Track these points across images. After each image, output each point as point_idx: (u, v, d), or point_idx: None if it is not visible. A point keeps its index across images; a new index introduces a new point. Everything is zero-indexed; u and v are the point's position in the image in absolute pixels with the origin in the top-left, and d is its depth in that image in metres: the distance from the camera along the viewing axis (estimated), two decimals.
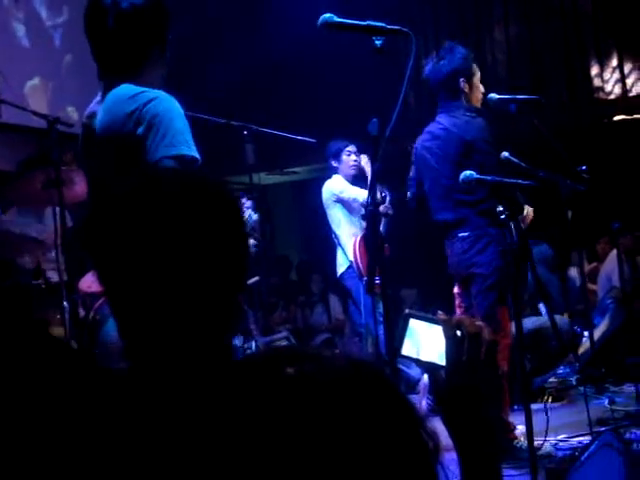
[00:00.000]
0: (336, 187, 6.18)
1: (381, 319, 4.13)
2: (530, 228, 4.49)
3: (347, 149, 6.23)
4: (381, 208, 6.11)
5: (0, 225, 5.48)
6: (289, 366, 0.99)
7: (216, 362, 1.09)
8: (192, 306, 1.09)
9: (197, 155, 2.46)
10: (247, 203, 3.86)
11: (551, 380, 5.84)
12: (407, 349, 1.32)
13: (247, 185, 5.07)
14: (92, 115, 2.64)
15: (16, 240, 5.15)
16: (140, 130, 2.43)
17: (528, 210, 4.34)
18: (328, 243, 6.40)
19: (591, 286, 7.56)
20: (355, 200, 6.04)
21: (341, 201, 6.15)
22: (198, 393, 1.04)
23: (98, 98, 2.66)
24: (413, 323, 1.32)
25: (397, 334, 1.33)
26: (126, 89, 2.52)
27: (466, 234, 4.24)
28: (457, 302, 4.39)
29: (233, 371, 1.05)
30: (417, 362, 1.33)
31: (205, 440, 0.98)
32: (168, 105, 2.47)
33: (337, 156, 6.26)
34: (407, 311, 1.33)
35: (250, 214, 3.70)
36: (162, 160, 2.38)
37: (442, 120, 4.35)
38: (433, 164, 4.36)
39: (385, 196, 6.15)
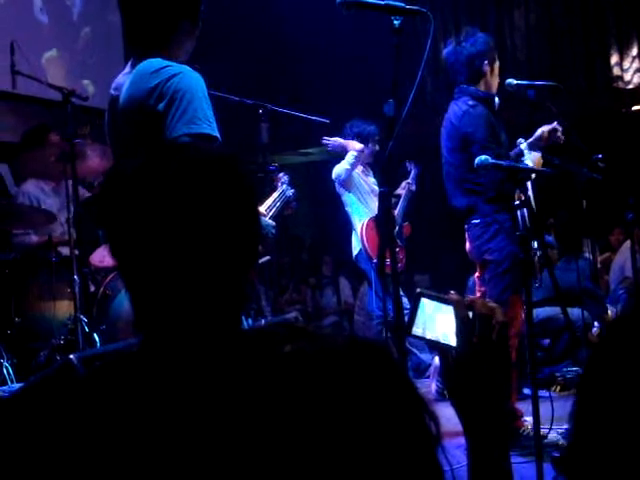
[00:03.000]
0: (336, 171, 6.13)
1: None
2: (544, 216, 4.46)
3: (376, 137, 6.17)
4: (403, 184, 6.14)
5: (16, 197, 5.49)
6: (287, 343, 0.98)
7: (226, 337, 1.08)
8: (203, 281, 1.08)
9: (217, 134, 2.44)
10: (283, 178, 3.83)
11: (564, 369, 5.83)
12: (417, 329, 1.31)
13: (261, 164, 5.05)
14: (119, 87, 2.62)
15: (28, 213, 5.15)
16: (161, 105, 2.40)
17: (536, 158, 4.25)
18: (340, 225, 6.40)
19: (604, 277, 7.53)
20: (346, 171, 5.99)
21: (344, 183, 6.11)
22: (204, 367, 1.04)
23: (127, 70, 2.64)
24: (424, 302, 1.30)
25: (409, 314, 1.31)
26: (152, 63, 2.50)
27: (477, 221, 4.27)
28: (477, 287, 4.39)
29: (235, 347, 1.04)
30: (427, 342, 1.32)
31: (205, 415, 0.98)
32: (192, 81, 2.44)
33: (363, 140, 6.18)
34: (418, 290, 1.31)
35: (286, 189, 3.67)
36: (181, 138, 2.36)
37: (450, 109, 4.36)
38: (445, 153, 4.38)
39: (411, 170, 6.15)
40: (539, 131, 4.18)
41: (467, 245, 4.39)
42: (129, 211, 1.09)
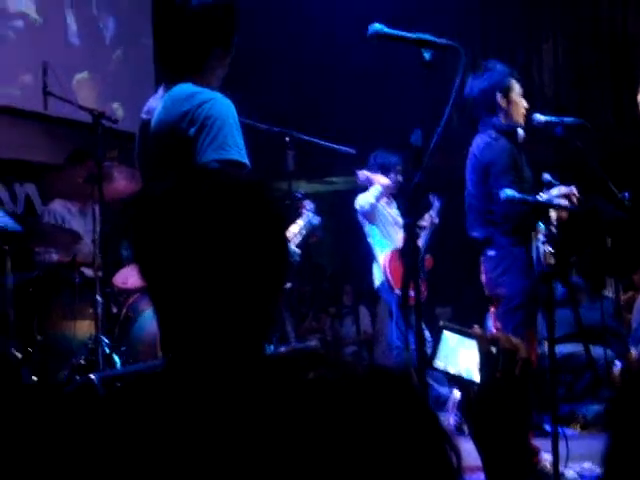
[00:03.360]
0: (360, 202, 6.15)
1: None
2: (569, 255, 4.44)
3: (398, 167, 6.20)
4: (426, 217, 6.13)
5: (42, 216, 5.55)
6: (311, 370, 0.98)
7: (250, 361, 1.09)
8: (231, 304, 1.09)
9: (247, 161, 2.45)
10: (309, 206, 3.86)
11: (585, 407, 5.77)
12: (440, 362, 1.30)
13: (287, 192, 5.07)
14: (151, 111, 2.65)
15: (52, 232, 5.19)
16: (192, 130, 2.43)
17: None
18: (362, 255, 6.39)
19: (627, 315, 7.46)
20: (370, 204, 6.01)
21: (367, 215, 6.13)
22: (228, 391, 1.04)
23: (159, 94, 2.68)
24: (447, 335, 1.30)
25: (431, 346, 1.31)
26: (184, 88, 2.53)
27: (493, 253, 4.25)
28: (493, 322, 4.36)
29: (260, 372, 1.05)
30: (449, 376, 1.31)
31: (226, 439, 0.98)
32: (223, 108, 2.46)
33: (386, 171, 6.21)
34: (442, 323, 1.31)
35: (312, 216, 3.69)
36: (211, 163, 2.38)
37: (474, 142, 4.37)
38: (468, 185, 4.38)
39: (434, 203, 6.15)
40: (556, 190, 4.18)
41: (482, 277, 4.37)
42: (159, 233, 1.10)
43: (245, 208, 1.11)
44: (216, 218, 1.09)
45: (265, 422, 0.96)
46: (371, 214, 6.09)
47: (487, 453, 1.24)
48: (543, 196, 4.11)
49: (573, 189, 4.19)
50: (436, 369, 1.31)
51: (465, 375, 1.28)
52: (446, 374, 1.31)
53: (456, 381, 1.31)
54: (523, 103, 4.39)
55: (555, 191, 4.15)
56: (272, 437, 0.94)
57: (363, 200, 6.10)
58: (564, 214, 4.17)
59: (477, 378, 1.26)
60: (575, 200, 4.19)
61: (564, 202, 4.11)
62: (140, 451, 1.00)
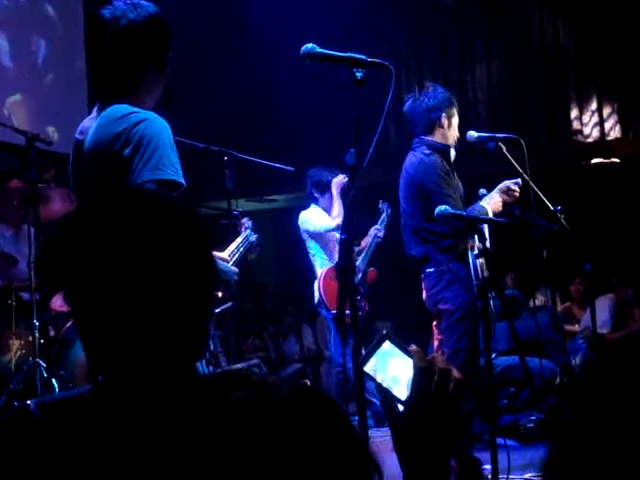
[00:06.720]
0: (309, 222, 6.15)
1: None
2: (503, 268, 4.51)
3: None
4: (371, 231, 6.11)
5: None
6: (233, 392, 0.99)
7: (177, 383, 1.09)
8: (156, 325, 1.09)
9: (182, 181, 2.45)
10: (247, 223, 3.86)
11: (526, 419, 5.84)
12: (370, 367, 1.30)
13: (225, 211, 5.07)
14: (85, 131, 2.63)
15: None
16: (127, 151, 2.40)
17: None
18: (304, 272, 6.40)
19: (568, 327, 7.59)
20: (326, 229, 6.01)
21: (313, 234, 6.14)
22: (153, 414, 1.04)
23: (93, 114, 2.65)
24: (386, 346, 1.30)
25: (367, 348, 1.31)
26: (118, 108, 2.51)
27: (432, 270, 4.30)
28: (435, 335, 4.41)
29: (185, 394, 1.05)
30: (375, 383, 1.31)
31: (148, 460, 0.99)
32: (158, 128, 2.45)
33: (322, 188, 6.22)
34: (385, 331, 1.31)
35: (249, 234, 3.69)
36: (146, 184, 2.36)
37: (407, 159, 4.41)
38: (402, 202, 4.42)
39: (383, 212, 6.10)
40: (502, 184, 4.26)
41: (423, 294, 4.41)
42: (81, 255, 1.09)
43: (169, 228, 1.11)
44: (139, 238, 1.08)
45: (185, 443, 0.97)
46: (314, 233, 6.11)
47: (409, 470, 1.24)
48: (485, 199, 4.19)
49: (518, 180, 4.26)
50: (366, 373, 1.31)
51: (391, 389, 1.28)
52: (372, 380, 1.31)
53: (381, 392, 1.30)
54: (457, 132, 4.46)
55: (500, 185, 4.24)
56: (191, 457, 0.95)
57: (308, 223, 6.10)
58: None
59: (401, 395, 1.26)
60: (517, 192, 4.25)
61: (502, 199, 4.19)
62: (68, 475, 1.00)
